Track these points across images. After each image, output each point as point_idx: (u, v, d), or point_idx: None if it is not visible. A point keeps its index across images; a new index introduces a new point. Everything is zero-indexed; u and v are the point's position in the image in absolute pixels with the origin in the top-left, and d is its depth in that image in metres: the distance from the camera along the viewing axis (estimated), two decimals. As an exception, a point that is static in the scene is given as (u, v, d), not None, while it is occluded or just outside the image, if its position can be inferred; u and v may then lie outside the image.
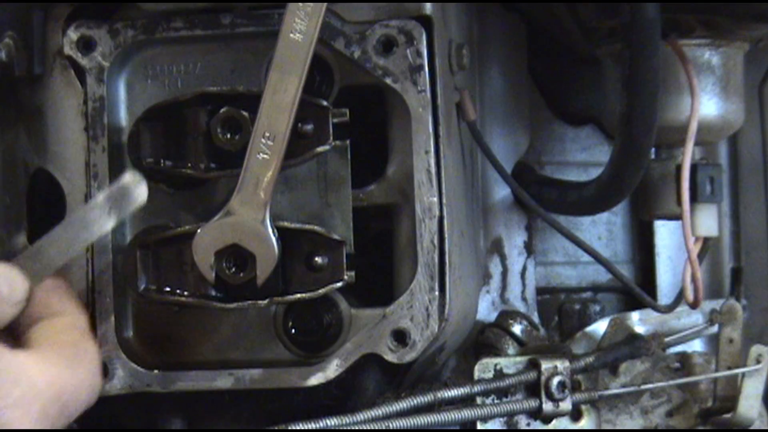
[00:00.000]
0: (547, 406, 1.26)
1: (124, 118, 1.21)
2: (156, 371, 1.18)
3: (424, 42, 1.14)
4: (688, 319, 1.41)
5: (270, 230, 1.11)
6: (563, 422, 1.32)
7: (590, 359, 1.30)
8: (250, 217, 1.10)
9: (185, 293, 1.14)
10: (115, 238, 1.18)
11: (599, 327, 1.40)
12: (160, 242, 1.15)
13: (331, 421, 1.14)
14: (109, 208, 1.11)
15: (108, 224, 1.11)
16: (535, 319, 1.44)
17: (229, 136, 1.13)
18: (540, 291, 1.47)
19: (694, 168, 1.29)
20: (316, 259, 1.13)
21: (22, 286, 1.10)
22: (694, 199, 1.29)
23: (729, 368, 1.34)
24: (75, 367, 1.09)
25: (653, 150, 1.29)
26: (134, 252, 1.15)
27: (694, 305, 1.31)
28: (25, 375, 1.04)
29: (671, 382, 1.35)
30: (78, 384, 1.09)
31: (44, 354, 1.09)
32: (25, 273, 1.11)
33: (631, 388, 1.34)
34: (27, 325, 1.12)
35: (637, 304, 1.40)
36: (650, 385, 1.34)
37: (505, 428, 1.30)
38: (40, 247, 1.12)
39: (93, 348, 1.13)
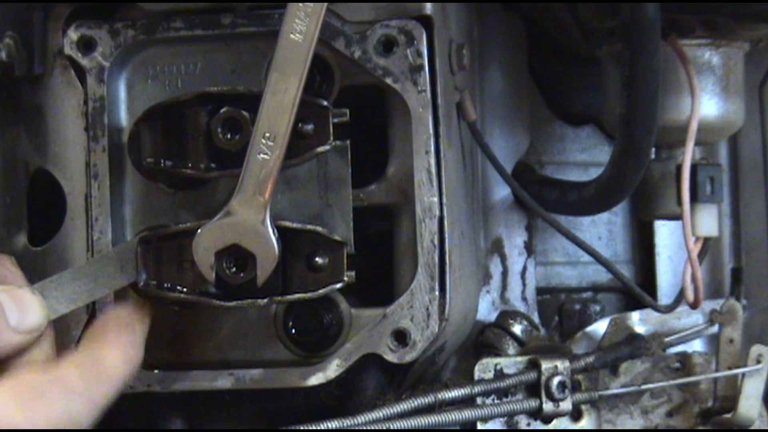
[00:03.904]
0: (548, 406, 1.26)
1: (124, 118, 1.21)
2: (156, 371, 1.17)
3: (425, 42, 1.14)
4: (688, 319, 1.41)
5: (270, 230, 1.11)
6: (563, 422, 1.32)
7: (590, 359, 1.30)
8: (251, 217, 1.10)
9: (184, 290, 1.14)
10: (115, 237, 1.18)
11: (599, 327, 1.40)
12: (161, 238, 1.14)
13: (332, 424, 1.14)
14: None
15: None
16: (535, 319, 1.44)
17: (229, 136, 1.13)
18: (540, 291, 1.47)
19: (694, 168, 1.29)
20: (317, 259, 1.13)
21: (35, 315, 1.05)
22: (694, 199, 1.29)
23: (729, 368, 1.34)
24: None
25: (653, 150, 1.29)
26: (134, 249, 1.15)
27: (694, 305, 1.31)
28: None
29: (671, 382, 1.35)
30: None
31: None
32: (44, 302, 1.07)
33: (632, 388, 1.34)
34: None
35: (637, 304, 1.40)
36: (650, 385, 1.34)
37: (505, 428, 1.30)
38: (66, 278, 1.10)
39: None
